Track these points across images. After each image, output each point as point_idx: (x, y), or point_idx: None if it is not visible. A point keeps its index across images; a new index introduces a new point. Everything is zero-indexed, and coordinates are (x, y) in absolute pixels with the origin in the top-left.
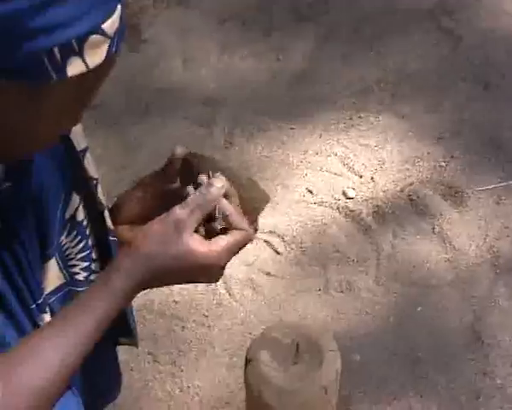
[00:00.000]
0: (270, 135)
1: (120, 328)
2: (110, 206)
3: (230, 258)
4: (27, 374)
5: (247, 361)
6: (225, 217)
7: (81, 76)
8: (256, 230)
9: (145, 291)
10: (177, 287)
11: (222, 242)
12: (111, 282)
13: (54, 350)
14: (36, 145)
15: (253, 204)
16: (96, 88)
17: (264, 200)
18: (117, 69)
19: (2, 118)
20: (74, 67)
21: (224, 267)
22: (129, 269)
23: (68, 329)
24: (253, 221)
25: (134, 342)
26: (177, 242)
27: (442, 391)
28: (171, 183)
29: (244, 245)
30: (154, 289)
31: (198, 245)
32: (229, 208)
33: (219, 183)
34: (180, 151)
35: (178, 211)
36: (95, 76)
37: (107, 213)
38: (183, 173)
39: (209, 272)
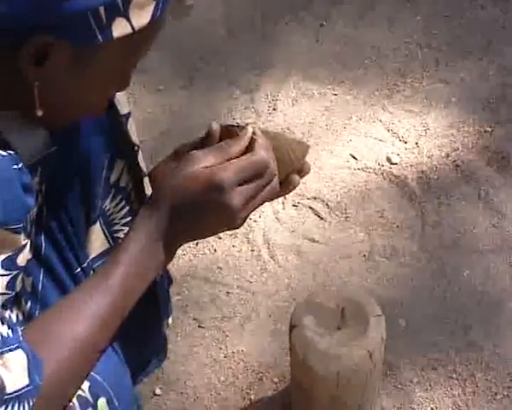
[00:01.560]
0: (313, 101)
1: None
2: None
3: (235, 178)
4: (66, 326)
5: (292, 326)
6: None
7: (127, 38)
8: (307, 172)
9: (189, 257)
10: (221, 253)
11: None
12: (133, 229)
13: (89, 304)
14: (84, 110)
15: (296, 157)
16: (143, 52)
17: (305, 149)
18: (163, 35)
19: (52, 82)
20: (119, 28)
21: (232, 195)
22: (147, 208)
23: (101, 281)
24: (301, 168)
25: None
26: (186, 166)
27: (489, 358)
28: None
29: (256, 172)
30: (198, 254)
31: (202, 167)
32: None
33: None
34: (215, 127)
35: (194, 151)
36: (141, 39)
37: (146, 180)
38: None
39: (214, 190)
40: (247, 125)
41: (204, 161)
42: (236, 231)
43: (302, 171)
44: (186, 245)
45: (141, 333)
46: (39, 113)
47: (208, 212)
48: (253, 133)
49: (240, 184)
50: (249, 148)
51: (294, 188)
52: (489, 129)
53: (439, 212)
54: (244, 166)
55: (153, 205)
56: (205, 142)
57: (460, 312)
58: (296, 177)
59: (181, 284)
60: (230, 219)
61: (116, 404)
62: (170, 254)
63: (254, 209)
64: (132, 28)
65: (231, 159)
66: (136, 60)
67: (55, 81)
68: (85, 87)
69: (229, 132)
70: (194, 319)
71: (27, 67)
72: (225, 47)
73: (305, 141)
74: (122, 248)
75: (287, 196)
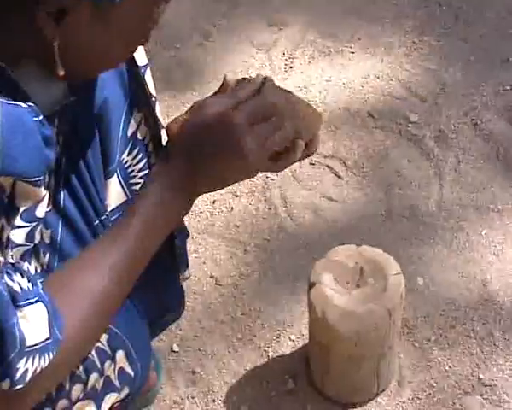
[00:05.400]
0: (331, 58)
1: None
2: None
3: (246, 118)
4: (86, 279)
5: (311, 284)
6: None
7: None
8: (315, 149)
9: (205, 215)
10: (237, 211)
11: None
12: (150, 180)
13: (107, 256)
14: (105, 66)
15: (307, 124)
16: (162, 8)
17: (319, 120)
18: None
19: (71, 41)
20: None
21: (244, 134)
22: (163, 158)
23: (120, 232)
24: (310, 141)
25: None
26: (197, 114)
27: (507, 316)
28: None
29: (266, 113)
30: (214, 212)
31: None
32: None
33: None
34: (230, 78)
35: (205, 98)
36: None
37: (163, 133)
38: None
39: (226, 131)
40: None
41: (215, 107)
42: (253, 189)
43: (310, 144)
44: (203, 203)
45: (157, 285)
46: (61, 72)
47: (223, 154)
48: (263, 78)
49: (250, 125)
50: (258, 92)
51: (296, 154)
52: (508, 87)
53: (457, 170)
54: (252, 107)
55: (169, 155)
56: (219, 93)
57: (478, 270)
58: (300, 141)
59: (198, 242)
60: (244, 160)
61: (134, 356)
62: (188, 203)
63: (268, 153)
64: None
65: (240, 102)
66: (157, 16)
67: (74, 39)
68: (105, 44)
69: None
70: (212, 277)
71: (47, 25)
72: (242, 3)
73: (321, 114)
74: (140, 199)
75: None
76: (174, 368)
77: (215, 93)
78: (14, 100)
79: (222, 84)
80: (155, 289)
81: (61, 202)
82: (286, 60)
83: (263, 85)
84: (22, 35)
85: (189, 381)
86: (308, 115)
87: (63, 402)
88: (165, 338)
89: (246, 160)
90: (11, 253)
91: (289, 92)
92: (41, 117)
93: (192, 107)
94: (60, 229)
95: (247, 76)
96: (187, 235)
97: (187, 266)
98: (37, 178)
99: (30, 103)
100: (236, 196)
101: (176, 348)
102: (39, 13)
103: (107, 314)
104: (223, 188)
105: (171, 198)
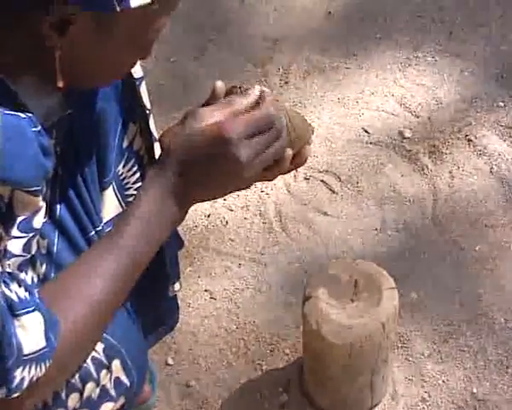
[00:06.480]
0: (326, 74)
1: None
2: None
3: (242, 132)
4: (82, 286)
5: (306, 298)
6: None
7: (146, 8)
8: (305, 160)
9: (200, 229)
10: (232, 224)
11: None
12: (143, 189)
13: (102, 262)
14: (106, 79)
15: (298, 134)
16: (163, 21)
17: (310, 130)
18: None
19: (73, 52)
20: None
21: (241, 146)
22: (156, 168)
23: (114, 240)
24: (299, 150)
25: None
26: (192, 123)
27: (500, 331)
28: None
29: (263, 126)
30: (209, 226)
31: (208, 123)
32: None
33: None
34: (220, 85)
35: (200, 108)
36: (160, 8)
37: (157, 145)
38: None
39: (222, 143)
40: (244, 88)
41: (210, 118)
42: (248, 203)
43: (299, 155)
44: (198, 217)
45: (148, 295)
46: (60, 84)
47: (217, 165)
48: (261, 91)
49: (247, 138)
50: (256, 105)
51: (285, 164)
52: (502, 103)
53: (451, 186)
54: (251, 120)
55: (162, 164)
56: (210, 102)
57: (471, 285)
58: (289, 151)
59: (193, 256)
60: (239, 173)
61: (130, 366)
62: (181, 212)
63: (263, 166)
64: None
65: (237, 114)
66: (158, 29)
67: (76, 50)
68: (107, 57)
69: (234, 93)
70: (206, 291)
71: (49, 36)
72: (238, 18)
73: (312, 125)
74: (133, 207)
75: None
76: (168, 381)
77: (206, 101)
78: (13, 110)
79: (213, 92)
80: (147, 300)
81: (58, 213)
82: (281, 75)
83: (262, 98)
84: (22, 46)
85: (183, 394)
86: (298, 125)
87: None
88: (159, 351)
89: (241, 173)
90: (8, 262)
91: (278, 101)
92: (39, 127)
93: (185, 117)
94: (56, 239)
95: (237, 84)
96: (181, 246)
97: (178, 277)
98: (35, 188)
99: (28, 114)
100: (231, 210)
101: (170, 361)
102: (42, 23)
103: (102, 319)
104: (217, 198)
105: (164, 206)
